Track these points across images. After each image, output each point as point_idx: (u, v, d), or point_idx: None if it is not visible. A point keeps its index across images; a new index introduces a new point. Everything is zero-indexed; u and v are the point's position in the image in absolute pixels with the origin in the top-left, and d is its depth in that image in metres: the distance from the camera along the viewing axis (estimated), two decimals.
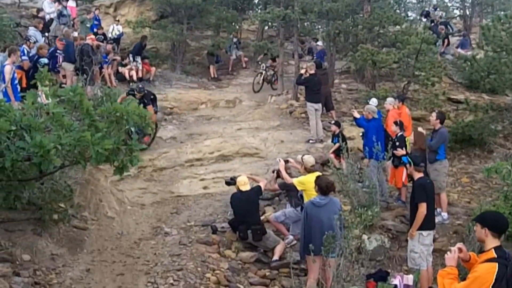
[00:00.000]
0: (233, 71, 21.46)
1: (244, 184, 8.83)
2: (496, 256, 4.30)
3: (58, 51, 13.01)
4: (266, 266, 8.33)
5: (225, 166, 12.51)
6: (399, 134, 10.07)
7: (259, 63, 19.70)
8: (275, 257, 8.42)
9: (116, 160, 6.21)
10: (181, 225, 9.55)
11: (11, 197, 6.58)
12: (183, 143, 13.64)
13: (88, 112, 5.84)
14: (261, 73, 18.80)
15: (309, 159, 8.86)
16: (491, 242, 4.38)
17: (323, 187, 7.10)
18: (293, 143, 13.37)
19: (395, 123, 10.32)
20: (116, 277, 7.27)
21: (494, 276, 4.20)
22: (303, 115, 14.93)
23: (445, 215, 9.54)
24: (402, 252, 8.82)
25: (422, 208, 7.38)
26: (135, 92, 12.71)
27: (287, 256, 8.60)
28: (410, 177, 8.42)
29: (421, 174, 7.71)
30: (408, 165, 7.83)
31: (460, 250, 4.48)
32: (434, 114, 9.79)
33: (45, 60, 12.21)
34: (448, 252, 4.52)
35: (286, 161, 9.66)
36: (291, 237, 9.01)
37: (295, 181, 8.56)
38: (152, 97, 13.32)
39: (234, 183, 9.07)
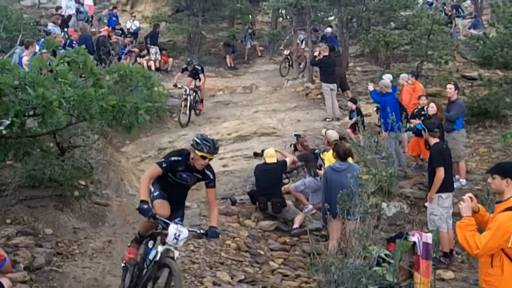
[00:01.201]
0: (248, 60, 21.23)
1: (271, 157, 8.63)
2: None
3: (74, 42, 12.90)
4: (286, 234, 8.11)
5: (244, 145, 12.30)
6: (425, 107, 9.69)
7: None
8: (295, 225, 8.19)
9: (123, 118, 5.97)
10: (201, 199, 9.34)
11: (20, 153, 6.34)
12: (201, 126, 13.45)
13: (93, 71, 5.62)
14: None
15: (332, 134, 8.78)
16: (510, 191, 4.11)
17: (341, 153, 6.94)
18: (310, 122, 13.13)
19: (420, 97, 10.03)
20: None
21: None
22: (319, 96, 14.69)
23: (463, 181, 9.19)
24: (421, 216, 8.51)
25: (440, 172, 7.15)
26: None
27: (307, 224, 8.33)
28: (426, 143, 8.10)
29: (437, 140, 7.47)
30: (423, 132, 7.56)
31: (471, 199, 4.25)
32: (451, 86, 9.41)
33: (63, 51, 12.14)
34: (462, 202, 4.25)
35: (298, 136, 9.46)
36: (310, 206, 8.77)
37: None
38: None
39: (262, 155, 8.88)
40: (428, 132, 7.46)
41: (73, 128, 7.46)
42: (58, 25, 14.81)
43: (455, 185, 8.98)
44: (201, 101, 14.72)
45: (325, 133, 8.95)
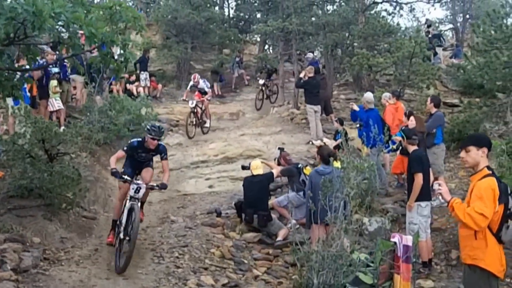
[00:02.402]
0: (236, 89, 21.62)
1: (257, 168, 8.84)
2: (490, 172, 4.27)
3: (65, 60, 13.11)
4: (269, 246, 8.23)
5: (229, 167, 12.47)
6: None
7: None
8: (279, 238, 8.33)
9: (110, 62, 6.00)
10: (187, 214, 9.49)
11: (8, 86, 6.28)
12: (188, 147, 13.67)
13: (83, 3, 5.56)
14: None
15: (328, 143, 8.91)
16: (484, 161, 4.36)
17: (325, 156, 7.09)
18: (295, 145, 13.36)
19: (405, 114, 10.35)
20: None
21: (498, 188, 4.15)
22: (304, 121, 15.01)
23: None
24: (402, 233, 8.67)
25: (418, 178, 7.28)
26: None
27: (290, 238, 8.47)
28: (406, 151, 8.35)
29: (415, 147, 7.66)
30: (402, 139, 7.82)
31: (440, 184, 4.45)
32: (428, 99, 9.80)
33: (56, 69, 12.38)
34: (440, 188, 4.44)
35: (282, 149, 9.70)
36: (293, 221, 8.90)
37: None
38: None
39: (249, 168, 9.08)
40: (406, 140, 7.70)
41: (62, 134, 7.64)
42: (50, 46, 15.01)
43: (435, 202, 9.25)
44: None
45: (324, 143, 9.08)
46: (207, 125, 15.68)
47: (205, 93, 15.62)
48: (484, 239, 4.24)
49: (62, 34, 5.63)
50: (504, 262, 4.36)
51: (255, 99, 18.54)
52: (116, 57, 6.32)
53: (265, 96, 18.68)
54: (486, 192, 4.16)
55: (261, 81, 18.61)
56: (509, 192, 4.30)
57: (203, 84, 15.54)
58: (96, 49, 5.74)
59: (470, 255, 4.34)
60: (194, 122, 15.01)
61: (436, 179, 9.28)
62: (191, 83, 15.74)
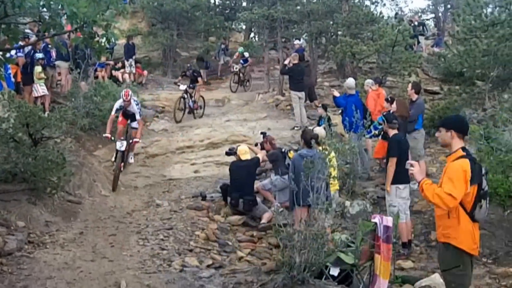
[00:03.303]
0: (221, 76, 21.51)
1: (245, 153, 8.80)
2: (465, 154, 4.30)
3: (49, 46, 12.92)
4: (254, 228, 8.22)
5: (215, 152, 12.42)
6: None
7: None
8: (263, 220, 8.32)
9: (93, 44, 5.88)
10: (172, 198, 9.45)
11: None
12: (173, 132, 13.58)
13: None
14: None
15: (321, 132, 8.91)
16: (457, 143, 4.40)
17: (308, 139, 7.08)
18: (279, 130, 13.35)
19: (387, 100, 10.36)
20: (108, 237, 7.13)
21: (470, 169, 4.18)
22: (288, 107, 15.00)
23: None
24: (383, 215, 8.74)
25: (392, 162, 7.39)
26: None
27: (274, 220, 8.48)
28: (386, 135, 8.38)
29: (395, 131, 7.69)
30: (383, 123, 7.84)
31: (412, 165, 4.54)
32: (409, 85, 9.84)
33: (41, 55, 12.19)
34: (412, 168, 4.53)
35: (265, 134, 9.68)
36: (277, 204, 8.91)
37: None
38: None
39: (234, 153, 9.03)
40: (387, 124, 7.74)
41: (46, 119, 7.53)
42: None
43: (415, 186, 9.32)
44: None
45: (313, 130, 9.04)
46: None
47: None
48: (457, 218, 4.29)
49: (43, 14, 5.48)
50: (478, 240, 4.41)
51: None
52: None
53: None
54: (457, 173, 4.22)
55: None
56: (483, 173, 4.34)
57: (135, 106, 10.89)
58: (78, 30, 5.60)
59: (443, 233, 4.41)
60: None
61: (417, 163, 9.36)
62: (120, 102, 10.81)
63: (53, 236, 7.00)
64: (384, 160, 10.17)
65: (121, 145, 10.20)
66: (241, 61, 19.86)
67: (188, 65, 17.09)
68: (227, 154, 9.41)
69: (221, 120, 14.50)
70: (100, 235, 7.30)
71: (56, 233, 7.17)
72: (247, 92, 19.03)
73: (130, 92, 10.71)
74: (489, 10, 13.83)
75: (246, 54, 20.05)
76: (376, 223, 5.97)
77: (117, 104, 10.73)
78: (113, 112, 10.73)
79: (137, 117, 10.85)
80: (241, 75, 19.34)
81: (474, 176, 4.23)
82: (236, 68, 19.12)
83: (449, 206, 4.20)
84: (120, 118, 11.07)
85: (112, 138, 10.44)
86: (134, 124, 11.07)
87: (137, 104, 11.05)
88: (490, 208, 6.24)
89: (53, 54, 13.07)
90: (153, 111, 15.53)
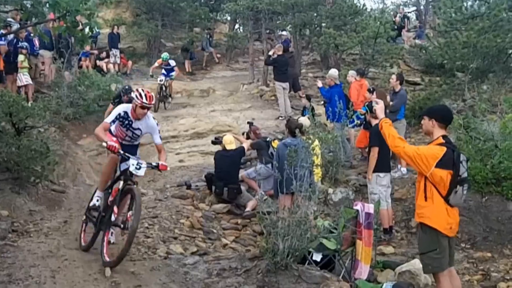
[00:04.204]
0: (206, 66, 21.39)
1: (230, 143, 8.77)
2: (444, 141, 4.38)
3: (31, 34, 12.70)
4: (238, 216, 8.23)
5: (200, 142, 12.40)
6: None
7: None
8: (248, 208, 8.33)
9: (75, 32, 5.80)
10: (157, 187, 9.40)
11: None
12: (158, 122, 13.46)
13: None
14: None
15: (305, 122, 8.93)
16: (438, 131, 4.52)
17: (293, 129, 7.10)
18: (264, 120, 13.36)
19: (369, 90, 10.41)
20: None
21: (442, 154, 4.26)
22: (273, 97, 15.00)
23: (404, 169, 9.57)
24: (365, 202, 8.81)
25: (374, 151, 7.47)
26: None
27: (258, 208, 8.49)
28: (369, 126, 8.43)
29: (377, 121, 7.71)
30: (366, 113, 7.88)
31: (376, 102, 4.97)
32: (393, 76, 9.89)
33: (25, 44, 11.99)
34: (375, 104, 5.02)
35: (251, 124, 9.67)
36: (262, 192, 8.92)
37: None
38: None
39: (220, 142, 9.00)
40: (370, 113, 7.78)
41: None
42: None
43: (396, 174, 9.43)
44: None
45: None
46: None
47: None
48: (431, 199, 4.44)
49: (25, 2, 5.39)
50: (452, 221, 4.50)
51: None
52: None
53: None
54: (426, 148, 4.51)
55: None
56: (460, 160, 4.41)
57: (152, 123, 6.76)
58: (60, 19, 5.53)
59: (418, 213, 4.59)
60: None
61: None
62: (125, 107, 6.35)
63: (37, 225, 6.92)
64: (366, 149, 10.30)
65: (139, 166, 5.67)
66: (164, 71, 15.73)
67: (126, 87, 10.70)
68: (213, 143, 9.38)
69: (206, 110, 14.46)
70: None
71: (40, 221, 7.09)
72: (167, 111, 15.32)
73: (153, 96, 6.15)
74: (469, 3, 13.96)
75: (172, 63, 15.94)
76: (358, 210, 6.03)
77: (120, 109, 5.94)
78: (108, 119, 5.89)
79: (157, 139, 6.20)
80: (163, 88, 15.23)
81: (446, 162, 4.35)
82: (160, 81, 15.11)
83: (394, 146, 4.54)
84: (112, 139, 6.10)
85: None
86: (134, 166, 5.66)
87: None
88: (469, 195, 6.37)
89: (36, 43, 12.85)
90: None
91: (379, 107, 4.84)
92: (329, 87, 10.72)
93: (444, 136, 4.50)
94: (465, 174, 4.45)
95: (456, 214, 4.51)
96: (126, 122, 5.96)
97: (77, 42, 6.53)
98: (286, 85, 13.46)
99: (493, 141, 7.92)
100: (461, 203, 4.49)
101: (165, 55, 16.13)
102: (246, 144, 9.05)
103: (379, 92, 9.71)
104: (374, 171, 7.50)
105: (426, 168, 4.37)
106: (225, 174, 8.50)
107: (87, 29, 6.65)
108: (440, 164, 4.33)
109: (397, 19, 20.21)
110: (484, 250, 7.01)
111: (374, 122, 7.73)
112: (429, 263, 4.51)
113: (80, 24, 5.76)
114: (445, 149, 4.36)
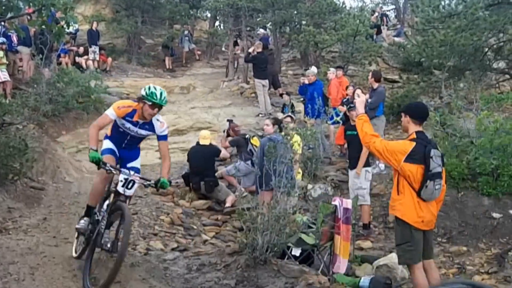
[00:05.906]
0: (187, 63, 21.32)
1: (204, 138, 8.80)
2: (416, 137, 4.50)
3: (7, 29, 12.51)
4: (218, 213, 8.27)
5: (180, 139, 12.39)
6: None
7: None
8: (227, 204, 8.38)
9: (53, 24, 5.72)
10: None
11: None
12: None
13: None
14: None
15: (286, 119, 9.02)
16: (413, 127, 4.64)
17: (278, 124, 7.19)
18: (244, 117, 13.40)
19: (347, 87, 10.50)
20: (72, 223, 7.02)
21: (411, 149, 4.37)
22: (253, 94, 15.05)
23: (382, 166, 9.71)
24: (345, 198, 8.92)
25: (365, 147, 7.50)
26: None
27: (238, 204, 8.55)
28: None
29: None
30: (351, 111, 8.00)
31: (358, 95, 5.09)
32: (370, 74, 10.01)
33: (3, 39, 11.83)
34: (356, 97, 5.04)
35: (231, 121, 9.72)
36: (242, 189, 8.98)
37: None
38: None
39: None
40: (348, 110, 7.87)
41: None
42: None
43: (375, 170, 9.56)
44: None
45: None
46: None
47: None
48: (403, 193, 4.57)
49: None
50: (424, 215, 4.59)
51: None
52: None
53: None
54: (395, 143, 4.69)
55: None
56: (431, 155, 4.51)
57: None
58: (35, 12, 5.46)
59: (391, 205, 4.76)
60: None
61: None
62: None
63: (16, 222, 6.84)
64: (345, 146, 10.41)
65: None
66: None
67: None
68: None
69: (186, 107, 14.44)
70: (64, 220, 7.18)
71: (19, 219, 7.01)
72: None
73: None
74: (447, 2, 14.16)
75: None
76: (336, 206, 6.10)
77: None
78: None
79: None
80: None
81: (418, 157, 4.47)
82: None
83: (364, 142, 4.73)
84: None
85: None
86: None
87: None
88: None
89: (15, 39, 12.67)
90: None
91: (359, 101, 4.92)
92: (309, 84, 10.81)
93: (418, 132, 4.61)
94: (438, 169, 4.52)
95: (430, 208, 4.60)
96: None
97: (54, 37, 6.40)
98: (266, 82, 13.53)
99: (469, 138, 8.10)
100: (433, 198, 4.57)
101: None
102: (223, 153, 9.11)
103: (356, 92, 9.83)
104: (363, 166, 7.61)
105: (396, 162, 4.51)
106: (200, 169, 8.55)
107: (63, 23, 6.57)
108: (409, 159, 4.46)
109: (374, 17, 20.39)
110: (460, 244, 7.16)
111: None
112: (402, 254, 4.66)
113: (56, 18, 5.70)
114: (414, 144, 4.50)
